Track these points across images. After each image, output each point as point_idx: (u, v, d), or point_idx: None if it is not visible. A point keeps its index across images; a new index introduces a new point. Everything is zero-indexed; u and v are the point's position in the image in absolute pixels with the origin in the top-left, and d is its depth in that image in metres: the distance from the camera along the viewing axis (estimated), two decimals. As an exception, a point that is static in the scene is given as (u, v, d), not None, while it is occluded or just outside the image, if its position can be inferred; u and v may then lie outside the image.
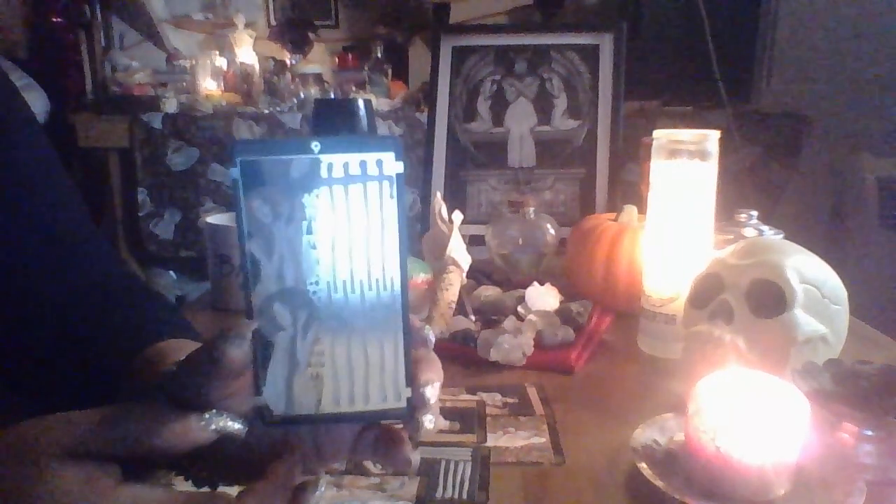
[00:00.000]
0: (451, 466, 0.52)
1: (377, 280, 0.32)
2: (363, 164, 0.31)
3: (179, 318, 0.57)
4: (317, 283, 0.32)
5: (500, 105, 1.19)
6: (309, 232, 0.32)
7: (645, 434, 0.53)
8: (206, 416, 0.34)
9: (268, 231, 0.31)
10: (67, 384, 0.51)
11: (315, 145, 0.31)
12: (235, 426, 0.34)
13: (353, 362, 0.33)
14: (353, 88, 2.54)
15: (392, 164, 0.31)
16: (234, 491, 0.35)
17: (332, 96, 2.49)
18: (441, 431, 0.58)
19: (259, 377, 0.33)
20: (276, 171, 0.31)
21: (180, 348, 0.48)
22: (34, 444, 0.31)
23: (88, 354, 0.51)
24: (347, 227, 0.32)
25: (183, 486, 0.36)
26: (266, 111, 2.35)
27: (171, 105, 2.32)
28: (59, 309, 0.53)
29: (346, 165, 0.31)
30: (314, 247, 0.32)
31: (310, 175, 0.31)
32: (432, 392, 0.35)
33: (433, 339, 0.36)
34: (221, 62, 2.59)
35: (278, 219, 0.31)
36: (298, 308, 0.32)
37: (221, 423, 0.34)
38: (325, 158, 0.31)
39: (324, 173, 0.31)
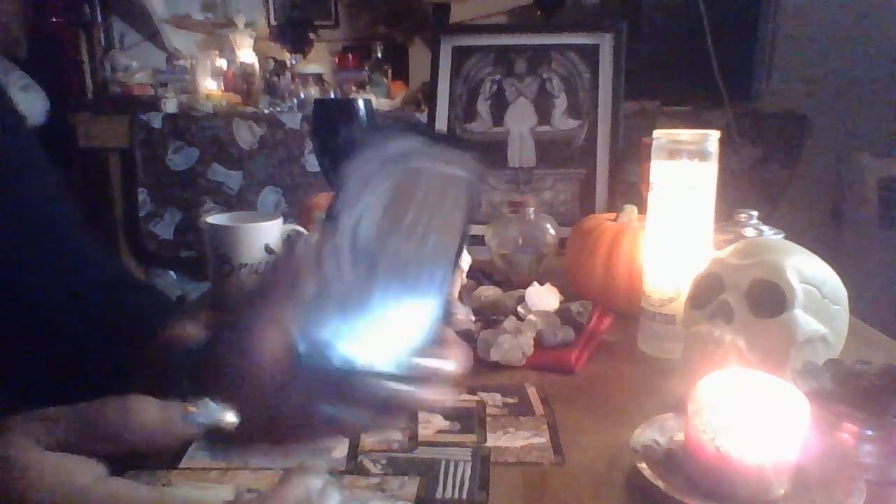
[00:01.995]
0: (451, 466, 0.52)
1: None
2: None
3: (177, 306, 0.58)
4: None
5: (500, 105, 1.19)
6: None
7: (645, 434, 0.53)
8: (192, 408, 0.33)
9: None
10: (75, 381, 0.52)
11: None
12: (227, 419, 0.33)
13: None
14: (353, 88, 2.54)
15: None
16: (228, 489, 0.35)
17: (332, 96, 2.49)
18: (441, 431, 0.58)
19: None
20: None
21: (197, 331, 0.48)
22: (11, 438, 0.31)
23: (93, 349, 0.51)
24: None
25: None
26: (266, 111, 2.35)
27: (171, 105, 2.32)
28: (57, 306, 0.53)
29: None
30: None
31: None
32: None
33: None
34: (221, 62, 2.59)
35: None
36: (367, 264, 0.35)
37: (211, 417, 0.33)
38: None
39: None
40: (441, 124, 1.20)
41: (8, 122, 0.56)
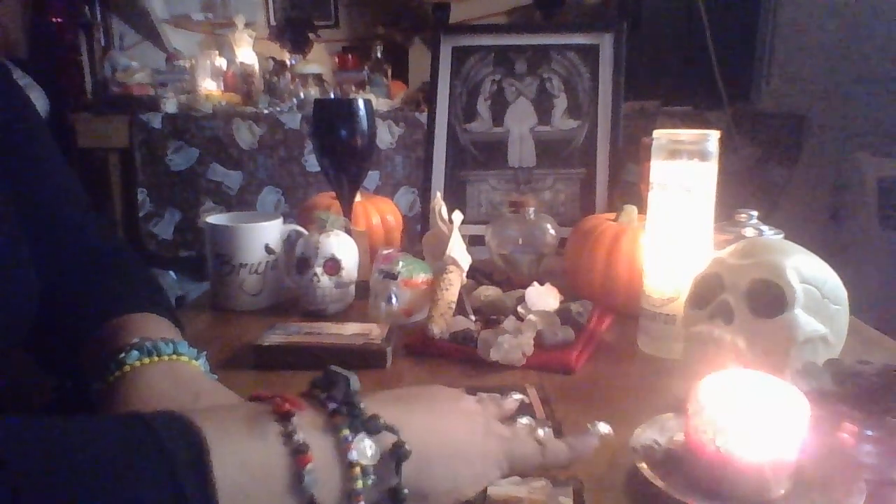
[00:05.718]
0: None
1: None
2: None
3: (157, 294, 0.58)
4: None
5: (500, 105, 1.19)
6: None
7: (645, 434, 0.53)
8: None
9: None
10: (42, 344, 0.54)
11: None
12: None
13: None
14: (353, 88, 2.54)
15: None
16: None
17: (332, 96, 2.49)
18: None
19: None
20: None
21: (142, 325, 0.50)
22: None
23: (58, 322, 0.53)
24: None
25: None
26: (266, 111, 2.35)
27: (170, 105, 2.32)
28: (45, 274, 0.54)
29: None
30: None
31: None
32: None
33: None
34: (221, 62, 2.59)
35: None
36: None
37: None
38: None
39: None
40: (441, 124, 1.20)
41: (17, 101, 0.59)
